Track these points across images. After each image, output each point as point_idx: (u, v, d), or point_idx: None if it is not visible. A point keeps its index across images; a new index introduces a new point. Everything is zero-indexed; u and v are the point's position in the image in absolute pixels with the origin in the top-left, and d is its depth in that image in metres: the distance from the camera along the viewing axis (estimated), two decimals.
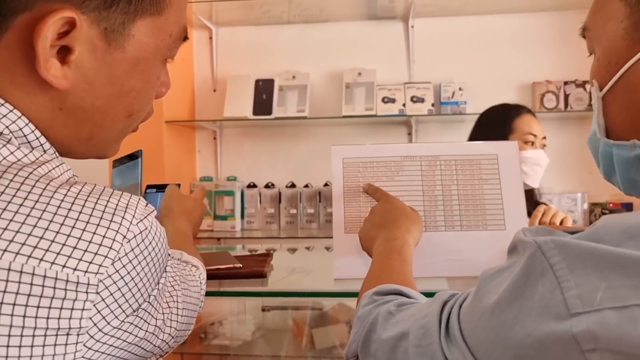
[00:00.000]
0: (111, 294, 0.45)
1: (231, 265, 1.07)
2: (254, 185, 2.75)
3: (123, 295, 0.46)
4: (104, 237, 0.45)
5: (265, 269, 1.08)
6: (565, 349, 0.37)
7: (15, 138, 0.48)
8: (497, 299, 0.42)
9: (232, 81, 2.75)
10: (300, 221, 2.69)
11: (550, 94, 2.61)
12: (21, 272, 0.41)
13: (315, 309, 1.76)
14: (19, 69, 0.48)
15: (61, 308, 0.42)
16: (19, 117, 0.48)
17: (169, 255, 0.56)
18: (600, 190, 2.62)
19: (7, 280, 0.40)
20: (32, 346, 0.41)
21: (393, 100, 2.62)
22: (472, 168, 1.04)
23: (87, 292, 0.43)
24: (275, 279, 1.12)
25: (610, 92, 0.53)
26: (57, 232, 0.43)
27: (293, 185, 2.72)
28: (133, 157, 0.93)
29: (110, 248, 0.45)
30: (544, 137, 1.67)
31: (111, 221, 0.45)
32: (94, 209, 0.45)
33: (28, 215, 0.42)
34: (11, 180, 0.44)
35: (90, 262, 0.43)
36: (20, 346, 0.41)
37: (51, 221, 0.43)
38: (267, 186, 2.75)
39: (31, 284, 0.41)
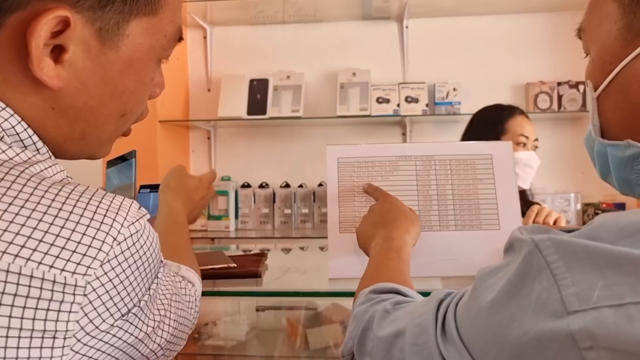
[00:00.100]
0: (99, 297, 0.44)
1: (225, 265, 1.07)
2: (248, 185, 2.75)
3: (111, 298, 0.45)
4: (93, 238, 0.44)
5: (259, 269, 1.08)
6: (562, 347, 0.37)
7: (8, 136, 0.48)
8: (494, 297, 0.42)
9: (227, 81, 2.74)
10: (295, 221, 2.69)
11: (544, 94, 2.62)
12: (7, 271, 0.40)
13: (310, 309, 1.76)
14: (12, 67, 0.47)
15: (47, 309, 0.41)
16: (12, 115, 0.48)
17: (162, 262, 0.55)
18: (593, 191, 2.63)
19: None
20: (17, 348, 0.40)
21: (387, 101, 2.63)
22: (467, 168, 1.05)
23: (74, 294, 0.42)
24: (269, 278, 1.12)
25: (604, 92, 0.54)
26: (46, 232, 0.42)
27: (287, 185, 2.72)
28: (127, 157, 0.93)
29: (100, 250, 0.44)
30: (536, 139, 1.68)
31: (102, 222, 0.45)
32: (85, 209, 0.44)
33: (17, 214, 0.42)
34: (2, 179, 0.43)
35: (78, 264, 0.43)
36: (5, 347, 0.40)
37: (40, 220, 0.42)
38: (261, 186, 2.74)
39: (17, 284, 0.40)
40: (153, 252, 0.51)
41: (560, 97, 2.61)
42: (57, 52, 0.47)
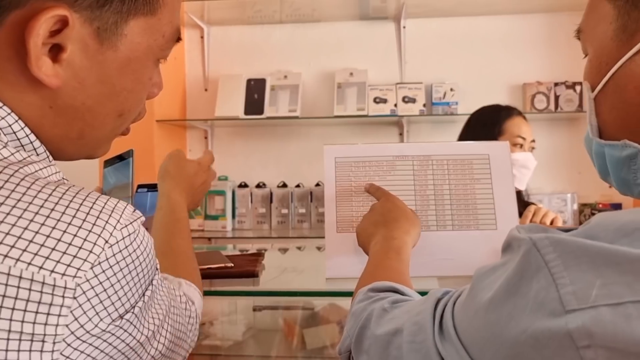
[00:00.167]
0: (89, 300, 0.43)
1: (223, 265, 1.06)
2: (245, 185, 2.74)
3: (102, 302, 0.44)
4: (84, 239, 0.43)
5: (256, 269, 1.08)
6: (560, 345, 0.37)
7: (5, 135, 0.47)
8: (492, 295, 0.42)
9: (224, 80, 2.74)
10: (292, 221, 2.69)
11: (541, 95, 2.62)
12: None
13: (307, 308, 1.76)
14: (10, 66, 0.47)
15: (37, 312, 0.41)
16: (9, 114, 0.48)
17: (157, 269, 0.54)
18: (590, 191, 2.64)
19: None
20: (6, 350, 0.40)
21: (385, 101, 2.63)
22: (464, 168, 1.05)
23: (63, 297, 0.41)
24: (266, 278, 1.12)
25: (601, 92, 0.54)
26: (36, 233, 0.41)
27: (284, 185, 2.72)
28: (124, 157, 0.92)
29: (90, 252, 0.43)
30: (533, 140, 1.69)
31: (94, 224, 0.44)
32: (77, 210, 0.44)
33: (8, 214, 0.41)
34: None
35: (69, 265, 0.42)
36: None
37: (31, 221, 0.42)
38: (258, 186, 2.74)
39: (6, 285, 0.40)
40: (147, 257, 0.50)
41: (557, 98, 2.62)
42: (55, 51, 0.47)
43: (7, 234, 0.41)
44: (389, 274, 0.70)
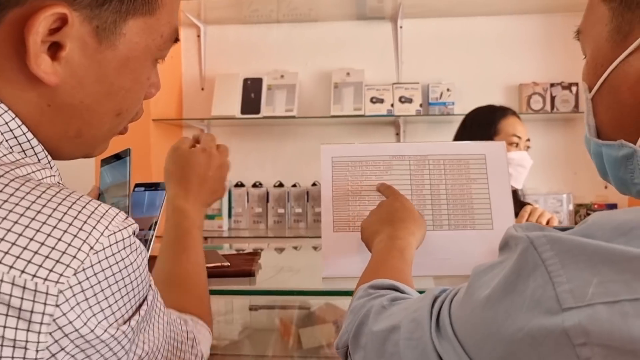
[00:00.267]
0: (72, 309, 0.41)
1: (219, 264, 1.06)
2: (242, 185, 2.74)
3: (83, 312, 0.42)
4: (69, 244, 0.41)
5: (253, 268, 1.08)
6: (557, 343, 0.37)
7: (2, 133, 0.47)
8: (489, 293, 0.42)
9: (220, 80, 2.73)
10: (288, 221, 2.69)
11: (537, 95, 2.63)
12: None
13: (303, 308, 1.76)
14: (9, 64, 0.47)
15: (18, 318, 0.39)
16: (6, 111, 0.48)
17: (150, 286, 0.51)
18: (586, 192, 2.65)
19: None
20: None
21: (381, 101, 2.63)
22: (461, 168, 1.05)
23: (45, 304, 0.40)
24: (263, 278, 1.12)
25: (597, 93, 0.54)
26: (20, 235, 0.40)
27: (281, 185, 2.72)
28: (121, 156, 0.92)
29: (74, 257, 0.41)
30: (528, 139, 1.70)
31: (80, 229, 0.42)
32: (65, 213, 0.42)
33: None
34: None
35: (51, 270, 0.40)
36: None
37: (16, 222, 0.40)
38: (254, 185, 2.74)
39: None
40: (138, 268, 0.47)
41: (553, 98, 2.62)
42: (54, 49, 0.47)
43: None
44: (390, 272, 0.70)
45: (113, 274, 0.44)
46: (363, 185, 1.04)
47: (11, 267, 0.39)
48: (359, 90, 2.64)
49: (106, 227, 0.44)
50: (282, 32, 2.81)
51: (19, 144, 0.49)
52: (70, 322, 0.41)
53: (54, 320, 0.40)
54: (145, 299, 0.49)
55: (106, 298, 0.44)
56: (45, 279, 0.40)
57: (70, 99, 0.50)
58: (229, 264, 1.07)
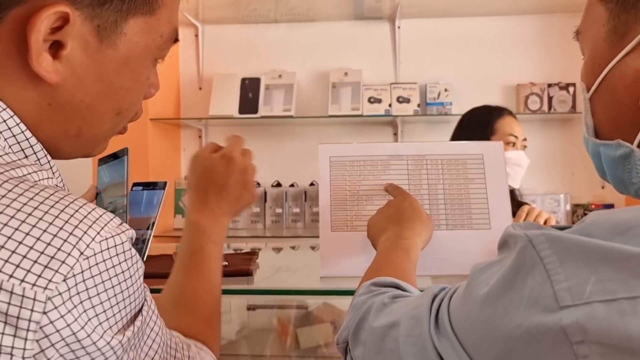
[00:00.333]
0: (62, 317, 0.40)
1: None
2: None
3: (75, 321, 0.41)
4: (58, 249, 0.40)
5: (251, 267, 1.08)
6: (554, 341, 0.38)
7: (0, 132, 0.47)
8: (487, 291, 0.43)
9: (218, 79, 2.73)
10: (286, 220, 2.69)
11: (534, 95, 2.64)
12: None
13: (301, 308, 1.76)
14: (11, 62, 0.47)
15: (5, 323, 0.38)
16: (4, 109, 0.48)
17: (146, 300, 0.50)
18: (583, 192, 2.66)
19: None
20: None
21: (379, 101, 2.63)
22: (458, 168, 1.05)
23: (32, 310, 0.38)
24: (260, 277, 1.12)
25: (595, 93, 0.55)
26: (9, 238, 0.39)
27: (279, 185, 2.72)
28: (118, 155, 0.92)
29: (63, 262, 0.40)
30: (525, 139, 1.71)
31: (71, 233, 0.41)
32: (56, 217, 0.41)
33: None
34: None
35: (39, 276, 0.39)
36: None
37: (5, 225, 0.39)
38: None
39: None
40: (130, 278, 0.45)
41: (550, 99, 2.63)
42: (55, 48, 0.47)
43: None
44: (394, 271, 0.71)
45: (103, 281, 0.42)
46: (361, 185, 1.04)
47: None
48: (356, 90, 2.65)
49: (98, 233, 0.42)
50: (280, 32, 2.81)
51: (18, 142, 0.49)
52: (58, 331, 0.40)
53: (40, 327, 0.39)
54: (140, 311, 0.48)
55: (101, 303, 0.43)
56: (34, 284, 0.39)
57: (70, 98, 0.50)
58: (227, 263, 1.07)
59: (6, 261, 0.39)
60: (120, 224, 0.45)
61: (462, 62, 2.70)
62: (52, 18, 0.45)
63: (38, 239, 0.40)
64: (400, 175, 1.04)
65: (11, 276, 0.38)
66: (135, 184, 1.02)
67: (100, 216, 0.44)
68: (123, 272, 0.44)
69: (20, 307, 0.38)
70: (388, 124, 2.76)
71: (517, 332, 0.40)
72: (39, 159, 0.50)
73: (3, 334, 0.38)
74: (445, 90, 2.66)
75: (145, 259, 0.99)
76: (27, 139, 0.49)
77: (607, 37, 0.52)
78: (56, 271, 0.39)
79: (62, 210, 0.42)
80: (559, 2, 2.50)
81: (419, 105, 2.63)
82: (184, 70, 2.87)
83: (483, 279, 0.44)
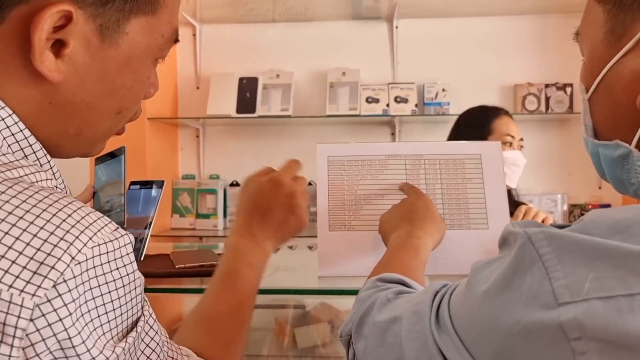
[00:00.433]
0: (49, 325, 0.38)
1: (214, 263, 1.06)
2: (237, 184, 2.74)
3: (64, 330, 0.39)
4: (48, 254, 0.38)
5: None
6: (552, 338, 0.38)
7: None
8: (487, 288, 0.43)
9: (216, 79, 2.73)
10: None
11: (532, 96, 2.64)
12: None
13: (298, 307, 1.76)
14: (13, 60, 0.47)
15: None
16: (2, 108, 0.47)
17: (143, 311, 0.48)
18: (580, 192, 2.66)
19: None
20: None
21: (377, 100, 2.63)
22: (456, 167, 1.05)
23: (18, 317, 0.37)
24: None
25: (594, 93, 0.55)
26: None
27: None
28: (116, 154, 0.92)
29: (53, 268, 0.38)
30: (521, 139, 1.72)
31: (62, 238, 0.39)
32: (48, 221, 0.40)
33: None
34: None
35: (28, 282, 0.37)
36: None
37: None
38: None
39: None
40: (126, 286, 0.44)
41: (547, 99, 2.63)
42: (58, 47, 0.47)
43: None
44: (402, 268, 0.71)
45: (92, 288, 0.41)
46: (359, 185, 1.04)
47: None
48: (354, 90, 2.65)
49: (90, 238, 0.41)
50: (278, 32, 2.81)
51: (17, 142, 0.49)
52: (44, 340, 0.38)
53: (26, 335, 0.38)
54: (135, 327, 0.46)
55: (96, 307, 0.41)
56: (22, 291, 0.37)
57: (71, 97, 0.50)
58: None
59: None
60: (116, 229, 0.44)
61: (460, 62, 2.70)
62: (55, 17, 0.45)
63: (28, 243, 0.39)
64: (398, 175, 1.04)
65: None
66: (132, 183, 1.02)
67: (95, 221, 0.42)
68: (115, 280, 0.43)
69: (7, 313, 0.37)
70: (386, 123, 2.76)
71: (516, 329, 0.40)
72: (38, 159, 0.50)
73: None
74: (443, 90, 2.66)
75: (142, 258, 0.99)
76: (26, 138, 0.49)
77: (605, 38, 0.53)
78: (45, 277, 0.38)
79: (54, 215, 0.40)
80: (556, 2, 2.51)
81: (416, 105, 2.63)
82: (182, 70, 2.86)
83: (483, 276, 0.45)
